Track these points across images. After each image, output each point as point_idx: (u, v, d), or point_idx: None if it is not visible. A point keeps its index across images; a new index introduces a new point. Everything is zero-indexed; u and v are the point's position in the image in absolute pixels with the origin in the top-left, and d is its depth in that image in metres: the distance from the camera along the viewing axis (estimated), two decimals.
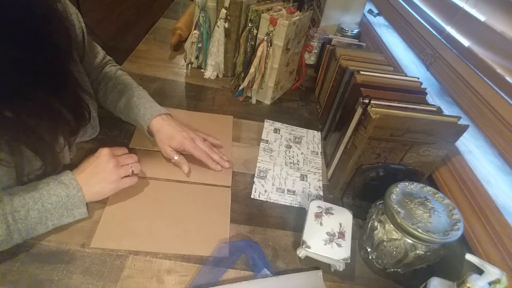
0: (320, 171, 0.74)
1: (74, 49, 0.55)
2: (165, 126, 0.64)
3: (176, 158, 0.65)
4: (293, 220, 0.62)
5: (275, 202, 0.65)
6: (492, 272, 0.40)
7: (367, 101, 0.58)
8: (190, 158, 0.66)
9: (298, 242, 0.55)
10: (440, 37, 0.81)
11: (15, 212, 0.45)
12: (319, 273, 0.54)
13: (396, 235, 0.50)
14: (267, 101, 0.92)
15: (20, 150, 0.45)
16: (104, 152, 0.56)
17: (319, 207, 0.59)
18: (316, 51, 1.11)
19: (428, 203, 0.50)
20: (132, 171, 0.58)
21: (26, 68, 0.41)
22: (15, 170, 0.45)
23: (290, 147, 0.79)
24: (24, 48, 0.40)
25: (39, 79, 0.43)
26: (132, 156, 0.61)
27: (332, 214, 0.58)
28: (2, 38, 0.37)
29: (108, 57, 0.73)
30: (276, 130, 0.83)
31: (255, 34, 0.83)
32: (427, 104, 0.64)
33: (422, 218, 0.48)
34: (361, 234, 0.60)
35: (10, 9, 0.38)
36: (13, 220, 0.45)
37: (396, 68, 0.87)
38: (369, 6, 1.23)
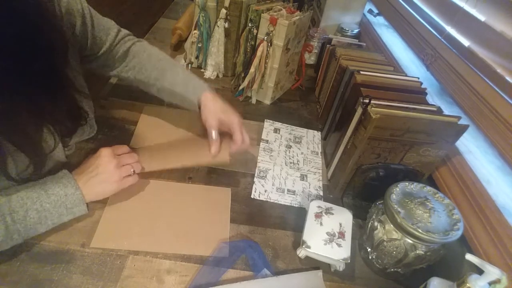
0: (320, 171, 0.74)
1: (69, 50, 0.52)
2: (219, 100, 0.66)
3: (214, 133, 0.64)
4: (293, 220, 0.62)
5: (275, 202, 0.65)
6: (492, 272, 0.40)
7: (367, 101, 0.58)
8: (185, 139, 0.67)
9: (298, 242, 0.55)
10: (440, 37, 0.81)
11: (13, 213, 0.45)
12: (319, 273, 0.54)
13: (396, 235, 0.50)
14: (267, 101, 0.92)
15: (1, 144, 0.43)
16: (104, 152, 0.56)
17: (319, 207, 0.59)
18: (316, 51, 1.11)
19: (428, 203, 0.50)
20: (133, 171, 0.58)
21: (13, 69, 0.39)
22: None
23: (290, 147, 0.79)
24: (12, 50, 0.38)
25: (28, 80, 0.41)
26: (132, 155, 0.61)
27: (332, 214, 0.58)
28: None
29: (124, 31, 0.67)
30: (276, 130, 0.83)
31: (255, 34, 0.83)
32: (427, 104, 0.64)
33: (422, 218, 0.48)
34: (361, 234, 0.60)
35: None
36: (12, 220, 0.45)
37: (396, 68, 0.87)
38: (369, 6, 1.22)
